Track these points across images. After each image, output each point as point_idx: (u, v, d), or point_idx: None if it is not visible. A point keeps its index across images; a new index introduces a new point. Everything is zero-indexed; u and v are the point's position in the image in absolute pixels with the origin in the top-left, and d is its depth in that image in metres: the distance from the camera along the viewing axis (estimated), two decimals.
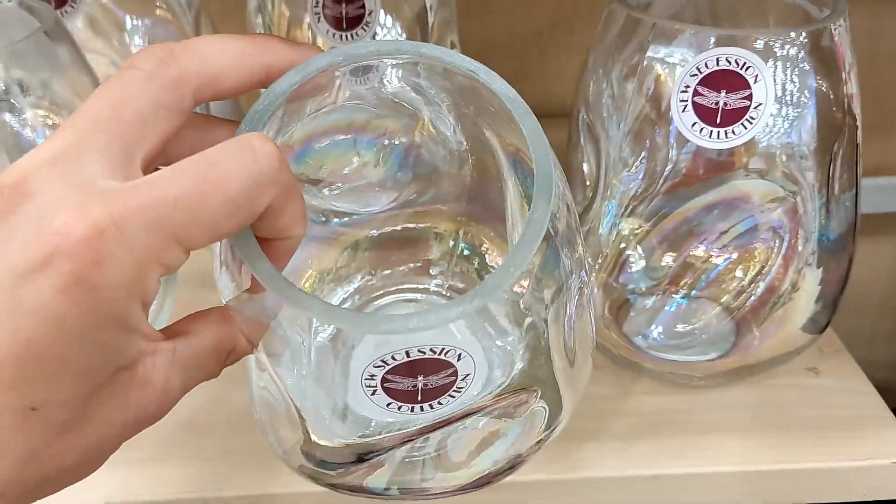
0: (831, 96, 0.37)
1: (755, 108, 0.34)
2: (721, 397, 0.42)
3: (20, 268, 0.20)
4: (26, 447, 0.21)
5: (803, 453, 0.38)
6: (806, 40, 0.34)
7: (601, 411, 0.41)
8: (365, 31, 0.44)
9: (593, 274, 0.40)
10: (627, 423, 0.40)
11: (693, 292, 0.40)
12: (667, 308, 0.40)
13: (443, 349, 0.25)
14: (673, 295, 0.40)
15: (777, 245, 0.38)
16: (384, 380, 0.25)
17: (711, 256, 0.39)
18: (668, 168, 0.38)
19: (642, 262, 0.40)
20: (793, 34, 0.34)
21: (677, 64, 0.35)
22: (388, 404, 0.26)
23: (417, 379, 0.25)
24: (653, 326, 0.41)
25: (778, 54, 0.34)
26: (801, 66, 0.35)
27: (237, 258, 0.24)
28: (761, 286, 0.39)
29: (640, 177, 0.38)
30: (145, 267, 0.21)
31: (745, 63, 0.34)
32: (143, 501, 0.37)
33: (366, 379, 0.25)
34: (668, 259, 0.40)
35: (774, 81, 0.35)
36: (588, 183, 0.40)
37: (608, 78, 0.38)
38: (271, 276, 0.22)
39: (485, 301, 0.22)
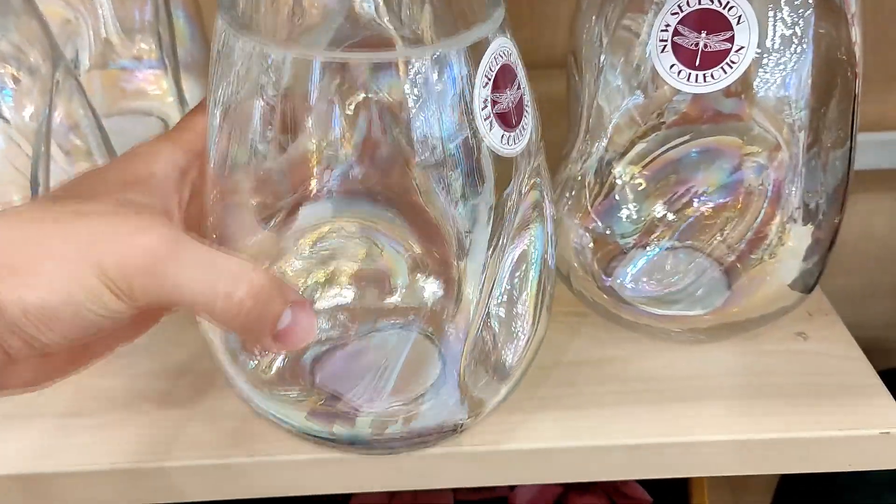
0: (832, 42, 0.34)
1: (736, 51, 0.32)
2: (706, 362, 0.40)
3: None
4: None
5: (789, 422, 0.37)
6: None
7: (580, 377, 0.39)
8: None
9: (578, 216, 0.39)
10: (608, 390, 0.39)
11: (677, 241, 0.38)
12: (650, 257, 0.39)
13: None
14: (656, 243, 0.38)
15: (762, 197, 0.36)
16: None
17: (696, 205, 0.37)
18: (654, 113, 0.36)
19: (628, 209, 0.38)
20: None
21: (663, 3, 0.33)
22: None
23: None
24: (635, 275, 0.39)
25: None
26: (800, 9, 0.33)
27: None
28: (746, 238, 0.37)
29: (629, 122, 0.37)
30: None
31: (727, 2, 0.32)
32: (100, 468, 0.35)
33: None
34: (652, 206, 0.38)
35: (773, 25, 0.32)
36: (580, 127, 0.39)
37: (601, 20, 0.36)
38: None
39: None
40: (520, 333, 0.33)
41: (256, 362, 0.34)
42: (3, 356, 0.25)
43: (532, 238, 0.32)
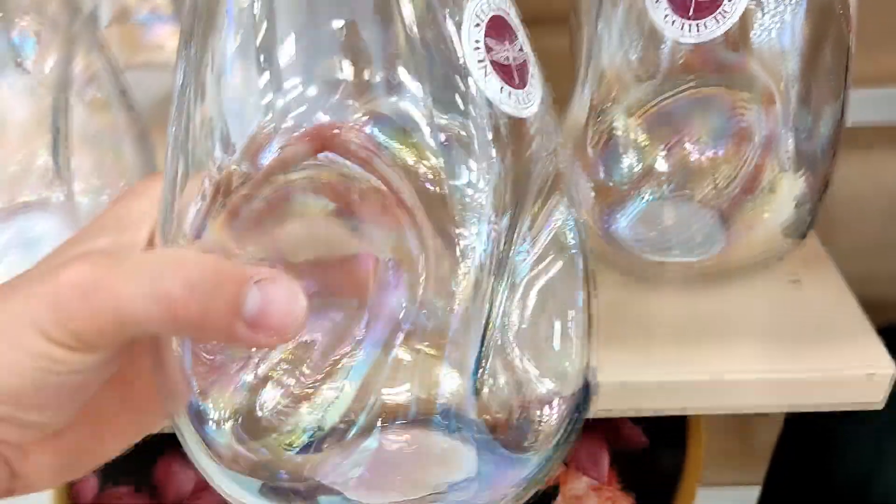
0: None
1: (729, 0, 0.33)
2: (699, 307, 0.41)
3: None
4: None
5: (776, 363, 0.38)
6: None
7: None
8: None
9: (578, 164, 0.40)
10: (603, 333, 0.40)
11: (673, 188, 0.39)
12: (647, 204, 0.40)
13: None
14: (653, 191, 0.39)
15: (755, 145, 0.37)
16: None
17: (691, 153, 0.38)
18: (651, 64, 0.37)
19: (626, 157, 0.39)
20: None
21: None
22: None
23: None
24: (633, 222, 0.41)
25: None
26: None
27: None
28: (739, 185, 0.38)
29: (627, 72, 0.38)
30: None
31: None
32: None
33: None
34: (649, 155, 0.39)
35: None
36: (580, 78, 0.40)
37: None
38: None
39: None
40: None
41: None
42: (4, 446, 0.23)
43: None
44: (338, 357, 0.24)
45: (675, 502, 0.46)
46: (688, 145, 0.38)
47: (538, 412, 0.26)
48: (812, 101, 0.37)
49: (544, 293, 0.26)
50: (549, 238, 0.26)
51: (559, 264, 0.26)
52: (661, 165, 0.39)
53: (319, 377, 0.24)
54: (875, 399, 0.39)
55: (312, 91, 0.24)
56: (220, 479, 0.26)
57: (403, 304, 0.24)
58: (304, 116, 0.24)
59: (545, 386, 0.26)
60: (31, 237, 0.41)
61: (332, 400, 0.24)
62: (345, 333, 0.24)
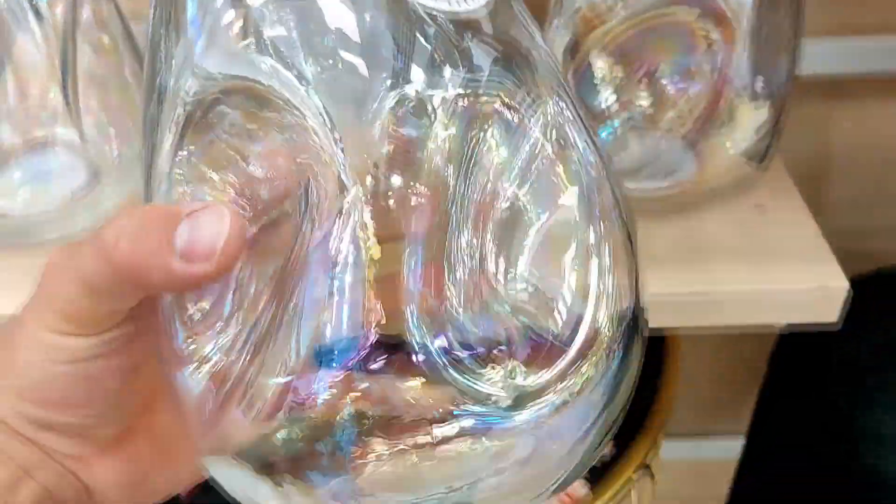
0: None
1: None
2: (664, 232, 0.43)
3: None
4: None
5: (737, 279, 0.41)
6: None
7: None
8: None
9: None
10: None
11: (637, 117, 0.41)
12: (612, 132, 0.42)
13: None
14: (618, 120, 0.42)
15: (714, 74, 0.40)
16: None
17: (653, 83, 0.41)
18: None
19: (591, 87, 0.42)
20: None
21: None
22: None
23: None
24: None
25: None
26: None
27: None
28: (700, 113, 0.40)
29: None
30: None
31: None
32: None
33: None
34: (613, 85, 0.41)
35: None
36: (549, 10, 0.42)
37: None
38: None
39: None
40: None
41: None
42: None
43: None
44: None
45: (643, 431, 0.48)
46: (649, 75, 0.41)
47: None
48: (769, 34, 0.39)
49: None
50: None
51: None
52: (625, 95, 0.41)
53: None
54: (831, 318, 0.41)
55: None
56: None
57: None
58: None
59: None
60: (42, 171, 0.45)
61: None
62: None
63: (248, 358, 0.22)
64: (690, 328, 0.42)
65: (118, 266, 0.22)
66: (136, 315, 0.24)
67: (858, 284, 0.40)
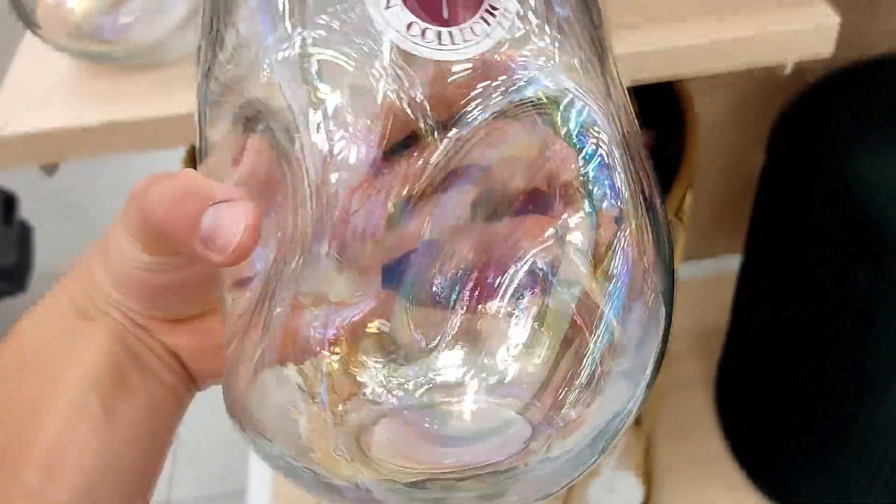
0: None
1: None
2: None
3: None
4: None
5: (737, 27, 0.48)
6: None
7: None
8: None
9: None
10: None
11: None
12: None
13: None
14: None
15: None
16: None
17: None
18: None
19: None
20: None
21: None
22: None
23: None
24: None
25: None
26: None
27: None
28: None
29: None
30: None
31: None
32: None
33: None
34: None
35: None
36: None
37: None
38: None
39: None
40: None
41: None
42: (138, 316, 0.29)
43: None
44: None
45: (677, 182, 0.57)
46: None
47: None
48: None
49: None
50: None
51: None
52: None
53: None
54: (825, 50, 0.49)
55: None
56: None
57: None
58: None
59: None
60: None
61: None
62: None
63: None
64: (705, 75, 0.50)
65: (154, 228, 0.26)
66: None
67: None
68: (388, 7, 0.21)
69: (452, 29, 0.21)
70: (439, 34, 0.21)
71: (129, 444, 0.28)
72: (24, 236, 0.98)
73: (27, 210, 1.01)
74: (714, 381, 0.95)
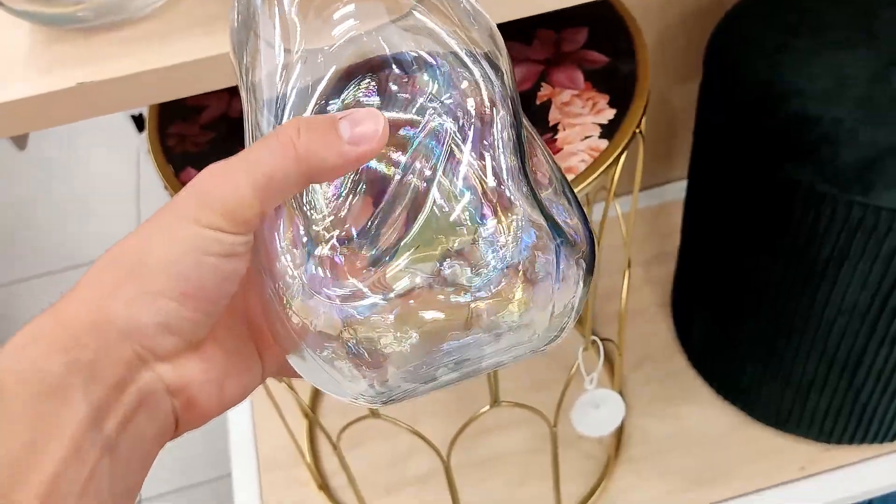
0: None
1: None
2: None
3: None
4: None
5: None
6: None
7: None
8: None
9: None
10: None
11: None
12: None
13: None
14: None
15: None
16: None
17: None
18: None
19: None
20: None
21: None
22: None
23: None
24: None
25: None
26: None
27: None
28: None
29: None
30: None
31: None
32: None
33: None
34: None
35: None
36: None
37: None
38: None
39: None
40: None
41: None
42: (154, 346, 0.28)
43: None
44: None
45: (636, 97, 0.60)
46: None
47: None
48: None
49: None
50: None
51: None
52: None
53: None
54: None
55: None
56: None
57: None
58: None
59: None
60: None
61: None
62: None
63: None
64: None
65: (301, 155, 0.28)
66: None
67: None
68: None
69: None
70: None
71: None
72: None
73: None
74: (670, 303, 0.99)
